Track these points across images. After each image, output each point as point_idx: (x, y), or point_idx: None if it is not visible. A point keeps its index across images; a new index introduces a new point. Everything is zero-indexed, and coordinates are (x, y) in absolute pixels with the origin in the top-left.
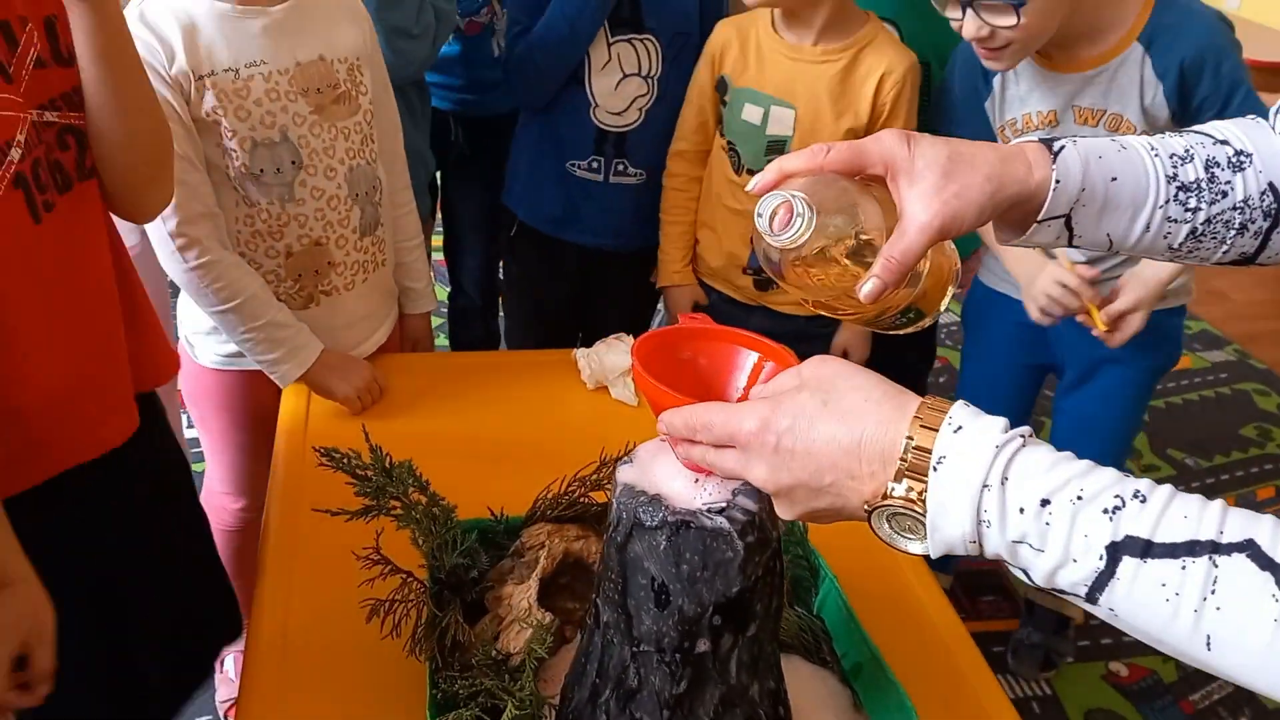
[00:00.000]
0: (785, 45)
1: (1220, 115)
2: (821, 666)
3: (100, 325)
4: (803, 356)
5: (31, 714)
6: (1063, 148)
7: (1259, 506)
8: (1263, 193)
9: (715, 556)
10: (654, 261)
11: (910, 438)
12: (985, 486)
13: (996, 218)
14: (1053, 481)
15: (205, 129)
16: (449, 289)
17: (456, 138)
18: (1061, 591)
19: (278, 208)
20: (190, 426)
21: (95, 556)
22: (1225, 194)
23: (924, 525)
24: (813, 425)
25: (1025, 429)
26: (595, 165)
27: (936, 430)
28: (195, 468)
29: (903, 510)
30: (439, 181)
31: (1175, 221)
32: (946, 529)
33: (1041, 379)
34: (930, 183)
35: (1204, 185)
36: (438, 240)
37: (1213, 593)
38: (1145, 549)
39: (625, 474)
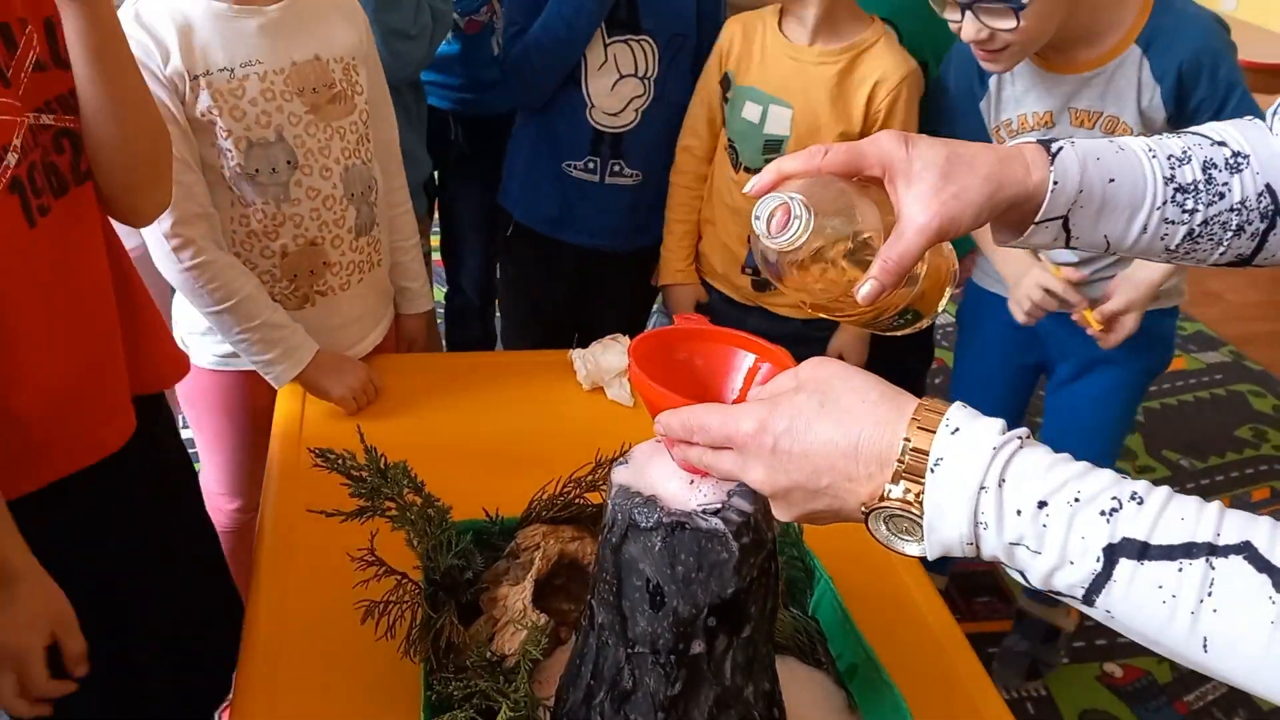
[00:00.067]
0: (787, 44)
1: (1216, 117)
2: (816, 668)
3: (97, 328)
4: (800, 359)
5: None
6: (1061, 149)
7: (1254, 508)
8: (1259, 194)
9: (710, 558)
10: (651, 262)
11: (907, 439)
12: (982, 488)
13: (994, 219)
14: (1050, 483)
15: (200, 129)
16: (445, 289)
17: (456, 137)
18: (1058, 593)
19: (273, 208)
20: (185, 427)
21: (95, 559)
22: (1222, 195)
23: (921, 527)
24: (810, 427)
25: (1022, 430)
26: (591, 166)
27: (934, 432)
28: None
29: (900, 512)
30: (437, 181)
31: (1172, 223)
32: (944, 531)
33: (1035, 379)
34: (928, 184)
35: (1201, 187)
36: (435, 240)
37: (1209, 595)
38: (1142, 551)
39: (620, 475)
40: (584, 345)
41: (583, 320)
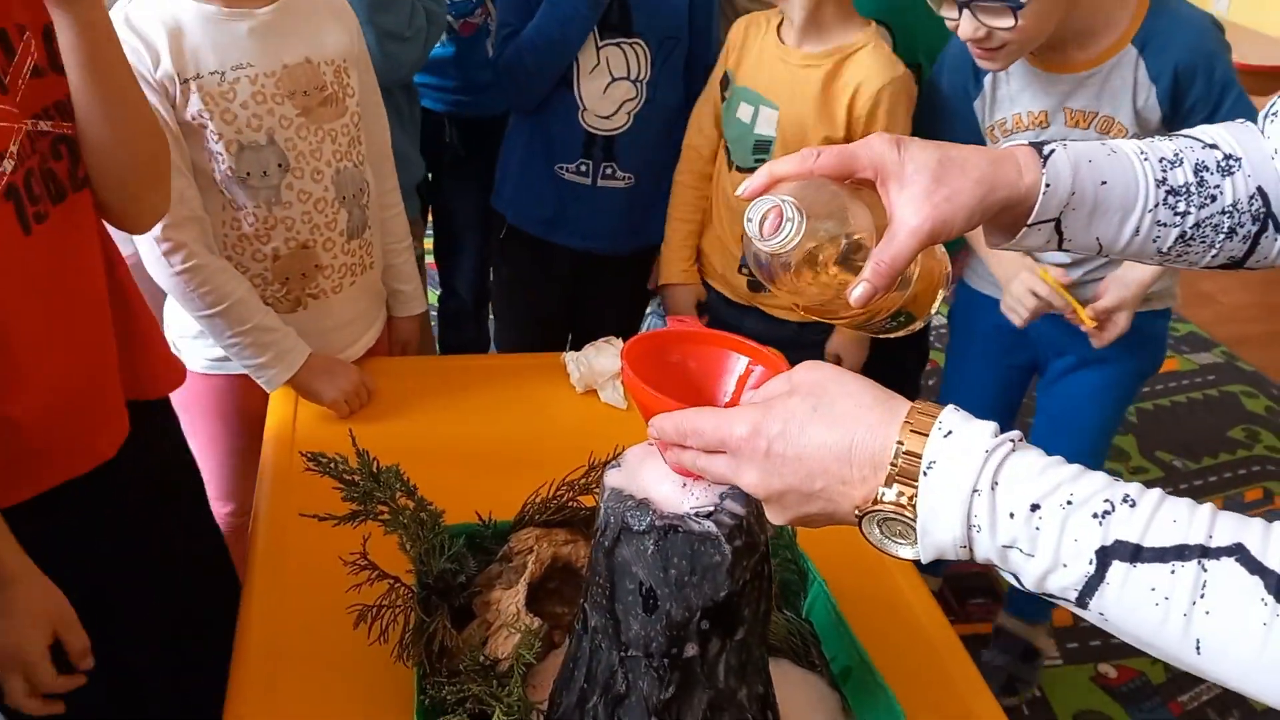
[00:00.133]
0: (779, 46)
1: (1211, 118)
2: (810, 670)
3: (93, 336)
4: (795, 364)
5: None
6: (1052, 151)
7: (1247, 508)
8: (1251, 197)
9: (703, 561)
10: (644, 265)
11: (900, 443)
12: (975, 491)
13: (987, 221)
14: (1043, 486)
15: (191, 132)
16: (439, 292)
17: (451, 139)
18: (1052, 596)
19: (264, 211)
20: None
21: (90, 563)
22: (1214, 198)
23: (914, 530)
24: (803, 430)
25: (1015, 433)
26: (584, 168)
27: (926, 435)
28: None
29: (893, 515)
30: (432, 183)
31: (1164, 225)
32: (937, 534)
33: (1027, 380)
34: (920, 187)
35: (1193, 189)
36: (428, 243)
37: (1202, 597)
38: (1134, 553)
39: (613, 478)
40: (577, 348)
41: (576, 323)
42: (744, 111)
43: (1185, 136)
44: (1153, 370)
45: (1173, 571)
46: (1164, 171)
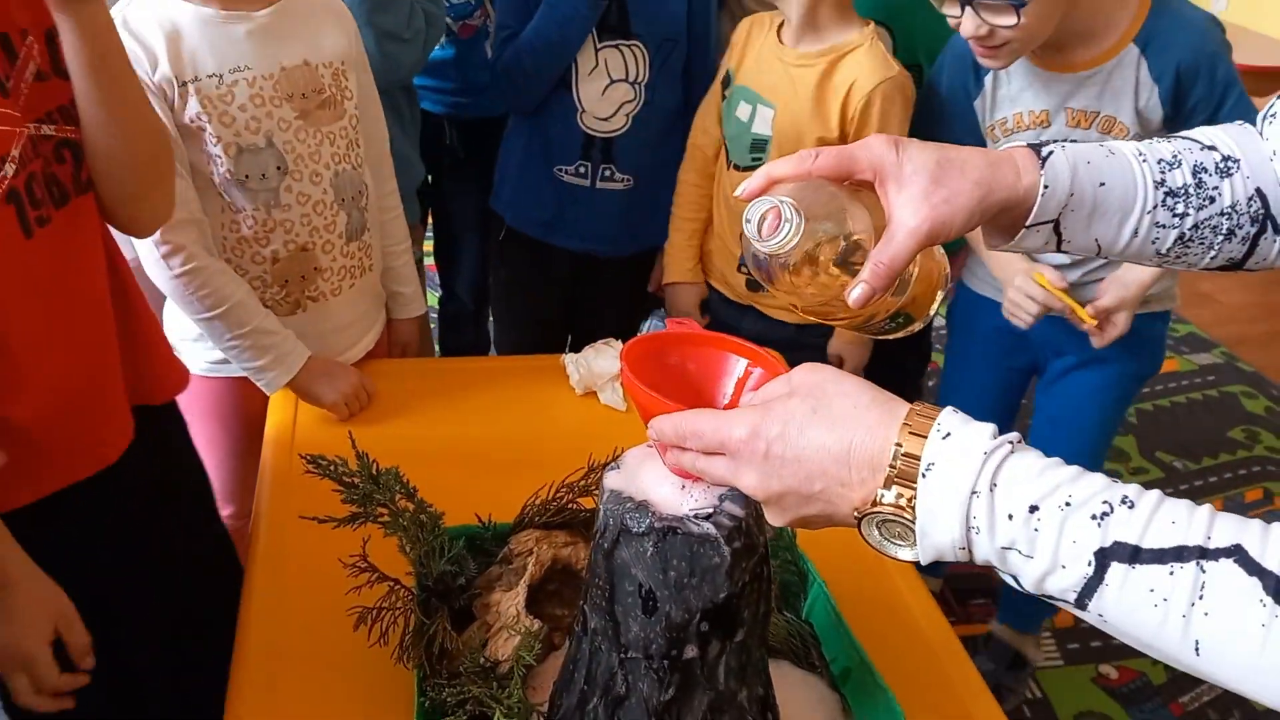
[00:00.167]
0: (777, 46)
1: (1213, 118)
2: (810, 672)
3: (95, 339)
4: (794, 365)
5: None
6: (1051, 153)
7: (1247, 509)
8: (1250, 198)
9: (702, 562)
10: (643, 266)
11: (899, 444)
12: (974, 493)
13: (985, 223)
14: (1041, 488)
15: (189, 135)
16: (439, 294)
17: (451, 141)
18: (1051, 597)
19: (263, 213)
20: None
21: (92, 566)
22: (1213, 199)
23: (913, 532)
24: (802, 432)
25: (1014, 435)
26: (582, 170)
27: (925, 437)
28: None
29: (892, 517)
30: (431, 185)
31: (1163, 227)
32: (936, 535)
33: (1026, 381)
34: (919, 188)
35: (1192, 191)
36: (428, 246)
37: (1200, 598)
38: (1133, 555)
39: (612, 480)
40: (577, 350)
41: (575, 325)
42: (742, 110)
43: (1183, 138)
44: (1152, 372)
45: (1171, 573)
46: (1162, 173)
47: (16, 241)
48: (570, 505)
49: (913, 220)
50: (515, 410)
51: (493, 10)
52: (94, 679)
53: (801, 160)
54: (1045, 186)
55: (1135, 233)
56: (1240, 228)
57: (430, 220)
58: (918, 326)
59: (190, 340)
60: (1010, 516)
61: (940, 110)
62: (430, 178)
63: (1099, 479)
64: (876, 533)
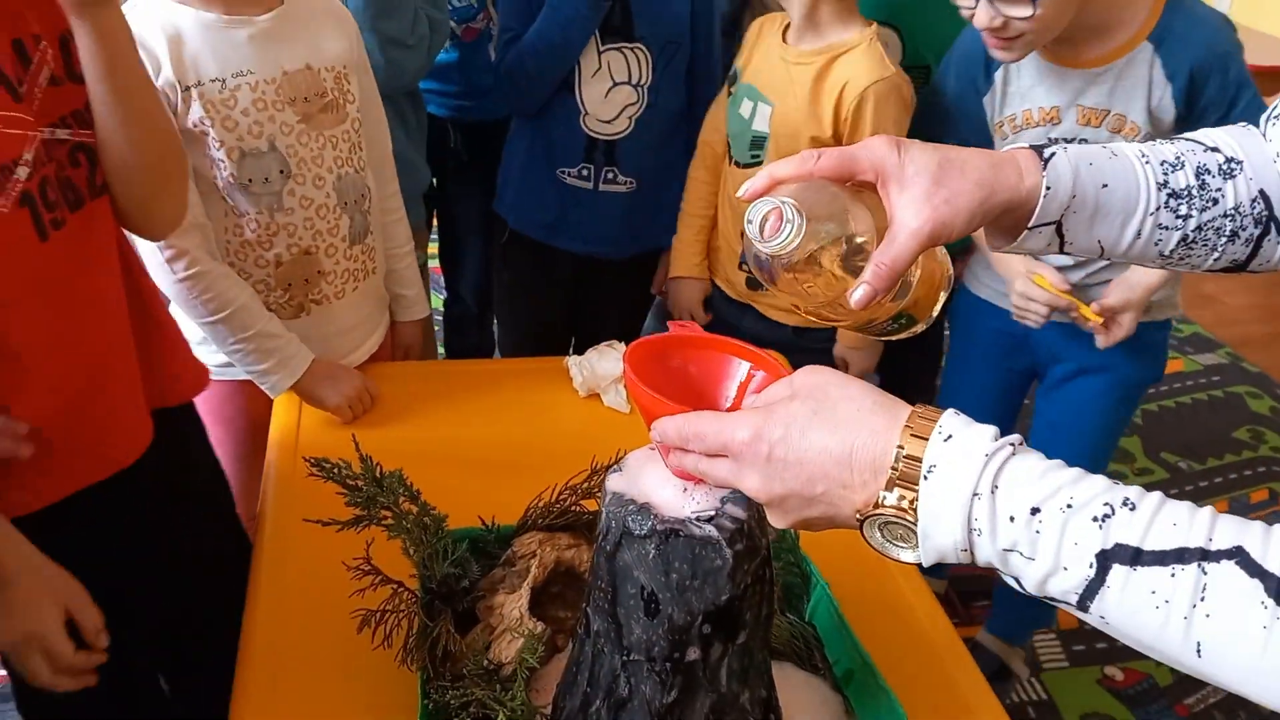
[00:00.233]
0: (780, 44)
1: (1225, 118)
2: (813, 674)
3: (109, 341)
4: (797, 367)
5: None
6: (1053, 154)
7: (1252, 510)
8: (1253, 200)
9: (704, 565)
10: (647, 269)
11: (901, 447)
12: (975, 495)
13: (988, 224)
14: (1043, 490)
15: (193, 139)
16: (444, 296)
17: (455, 144)
18: (1053, 599)
19: (266, 217)
20: None
21: (108, 568)
22: (1216, 201)
23: (915, 534)
24: (805, 435)
25: (1015, 437)
26: (585, 173)
27: (927, 439)
28: None
29: (894, 519)
30: (436, 188)
31: (1166, 228)
32: (938, 537)
33: (1027, 384)
34: (920, 189)
35: (1195, 192)
36: (433, 249)
37: (1202, 600)
38: (1135, 556)
39: (614, 482)
40: (580, 352)
41: (578, 327)
42: (745, 107)
43: (1186, 140)
44: (1154, 379)
45: (1173, 575)
46: (1165, 174)
47: (31, 244)
48: (573, 507)
49: (915, 221)
50: (518, 412)
51: (495, 13)
52: (107, 680)
53: (804, 161)
54: (1047, 188)
55: (1138, 234)
56: (1244, 229)
57: (435, 223)
58: (920, 328)
59: (194, 344)
60: (1012, 518)
61: (947, 110)
62: (434, 181)
63: (1100, 481)
64: (879, 535)
